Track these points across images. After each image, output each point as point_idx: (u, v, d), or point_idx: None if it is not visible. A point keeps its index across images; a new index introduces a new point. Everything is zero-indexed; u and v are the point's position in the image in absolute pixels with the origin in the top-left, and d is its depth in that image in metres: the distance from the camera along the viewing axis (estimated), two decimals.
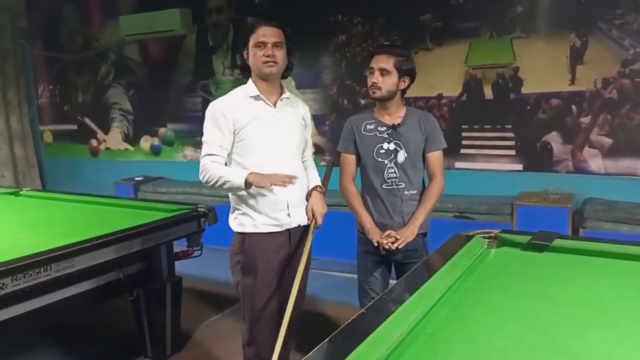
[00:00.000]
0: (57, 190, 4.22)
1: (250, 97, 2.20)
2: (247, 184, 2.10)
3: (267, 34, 2.13)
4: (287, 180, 2.09)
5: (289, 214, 2.24)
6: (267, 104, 2.22)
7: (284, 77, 2.29)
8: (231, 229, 2.31)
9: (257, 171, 2.14)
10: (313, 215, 2.27)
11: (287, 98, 2.29)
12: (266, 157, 2.20)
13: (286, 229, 2.26)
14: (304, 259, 2.21)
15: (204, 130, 2.21)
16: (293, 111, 2.31)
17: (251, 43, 2.15)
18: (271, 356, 2.36)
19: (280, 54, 2.16)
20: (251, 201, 2.22)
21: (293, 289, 2.07)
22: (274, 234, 2.23)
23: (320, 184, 2.41)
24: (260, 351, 2.29)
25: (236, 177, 2.12)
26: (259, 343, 2.29)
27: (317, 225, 2.28)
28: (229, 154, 2.23)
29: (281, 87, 2.28)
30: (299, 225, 2.29)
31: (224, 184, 2.13)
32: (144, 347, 2.90)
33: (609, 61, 3.83)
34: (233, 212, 2.30)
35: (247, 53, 2.20)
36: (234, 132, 2.18)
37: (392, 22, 4.55)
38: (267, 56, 2.13)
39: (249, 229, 2.23)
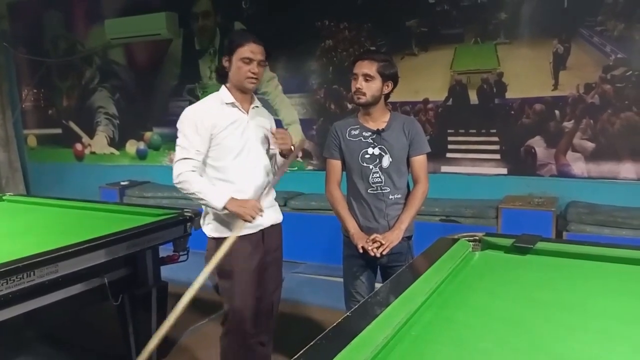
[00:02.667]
0: (41, 195, 4.17)
1: (226, 104, 2.28)
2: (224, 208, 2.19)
3: (255, 51, 2.20)
4: (258, 212, 2.19)
5: (262, 215, 2.29)
6: (241, 110, 2.30)
7: None
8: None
9: (233, 176, 2.25)
10: (292, 147, 2.33)
11: (257, 107, 2.39)
12: (240, 161, 2.28)
13: (260, 230, 2.33)
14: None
15: (180, 135, 2.26)
16: (262, 120, 2.41)
17: (237, 55, 2.21)
18: (251, 355, 2.38)
19: (261, 71, 2.26)
20: None
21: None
22: (249, 235, 2.29)
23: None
24: (239, 344, 2.34)
25: (215, 199, 2.19)
26: (238, 340, 2.34)
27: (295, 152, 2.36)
28: (204, 158, 2.27)
29: (252, 96, 2.37)
30: (272, 225, 2.38)
31: (199, 198, 2.21)
32: (129, 353, 2.87)
33: (591, 67, 3.90)
34: (205, 217, 2.36)
35: (229, 62, 2.25)
36: (210, 138, 2.23)
37: (378, 28, 4.58)
38: (253, 73, 2.21)
39: (225, 233, 2.27)
